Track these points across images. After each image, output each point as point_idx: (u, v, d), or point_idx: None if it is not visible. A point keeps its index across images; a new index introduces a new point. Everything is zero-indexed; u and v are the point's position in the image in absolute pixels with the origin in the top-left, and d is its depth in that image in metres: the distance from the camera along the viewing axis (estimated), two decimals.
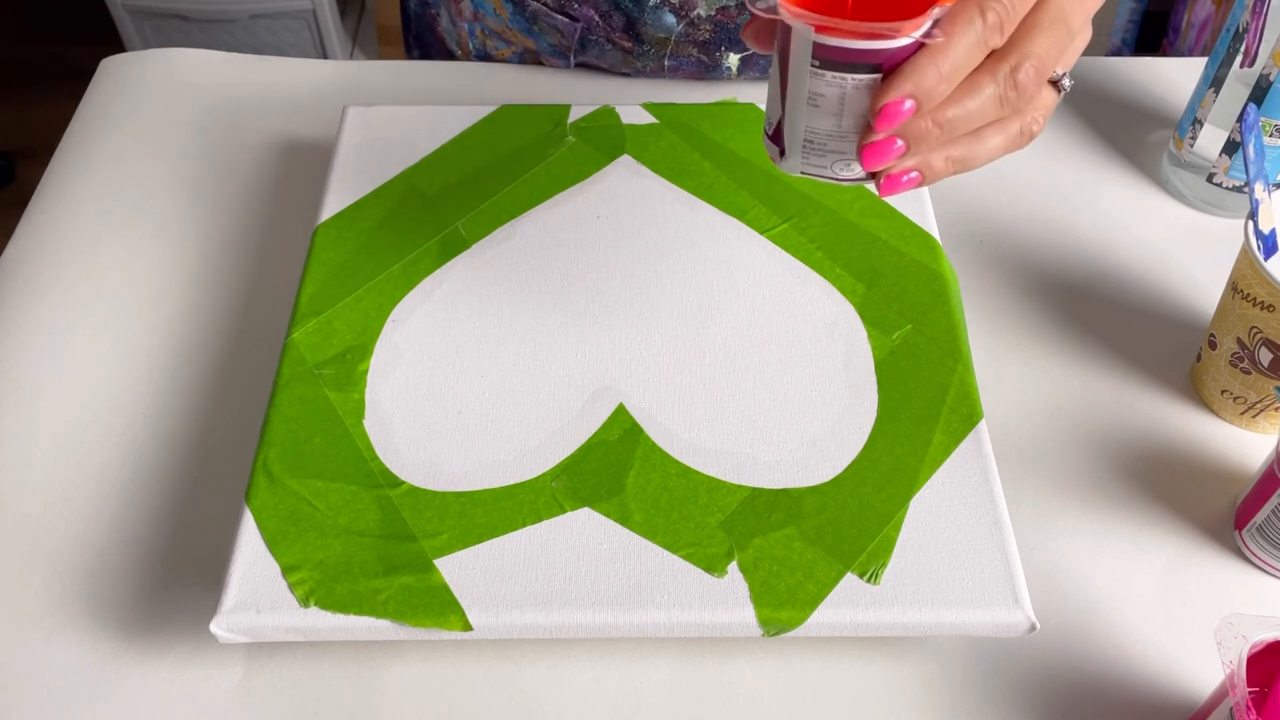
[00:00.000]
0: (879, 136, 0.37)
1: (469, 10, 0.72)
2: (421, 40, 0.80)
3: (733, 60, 0.69)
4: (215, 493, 0.51)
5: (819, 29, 0.35)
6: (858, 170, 0.39)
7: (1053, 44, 0.37)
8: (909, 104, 0.35)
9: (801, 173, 0.40)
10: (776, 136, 0.40)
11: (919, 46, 0.35)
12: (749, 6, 0.37)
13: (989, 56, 0.37)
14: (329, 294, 0.53)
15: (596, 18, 0.67)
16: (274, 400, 0.49)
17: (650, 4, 0.65)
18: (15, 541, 0.49)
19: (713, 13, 0.65)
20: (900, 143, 0.37)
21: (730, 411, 0.49)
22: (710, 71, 0.70)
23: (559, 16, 0.68)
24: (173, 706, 0.44)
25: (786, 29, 0.37)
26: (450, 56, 0.77)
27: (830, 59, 0.36)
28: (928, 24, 0.35)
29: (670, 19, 0.66)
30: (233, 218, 0.63)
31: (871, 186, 0.41)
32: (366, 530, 0.44)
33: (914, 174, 0.39)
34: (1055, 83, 0.39)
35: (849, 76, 0.36)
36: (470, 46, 0.74)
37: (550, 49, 0.71)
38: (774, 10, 0.36)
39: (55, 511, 0.50)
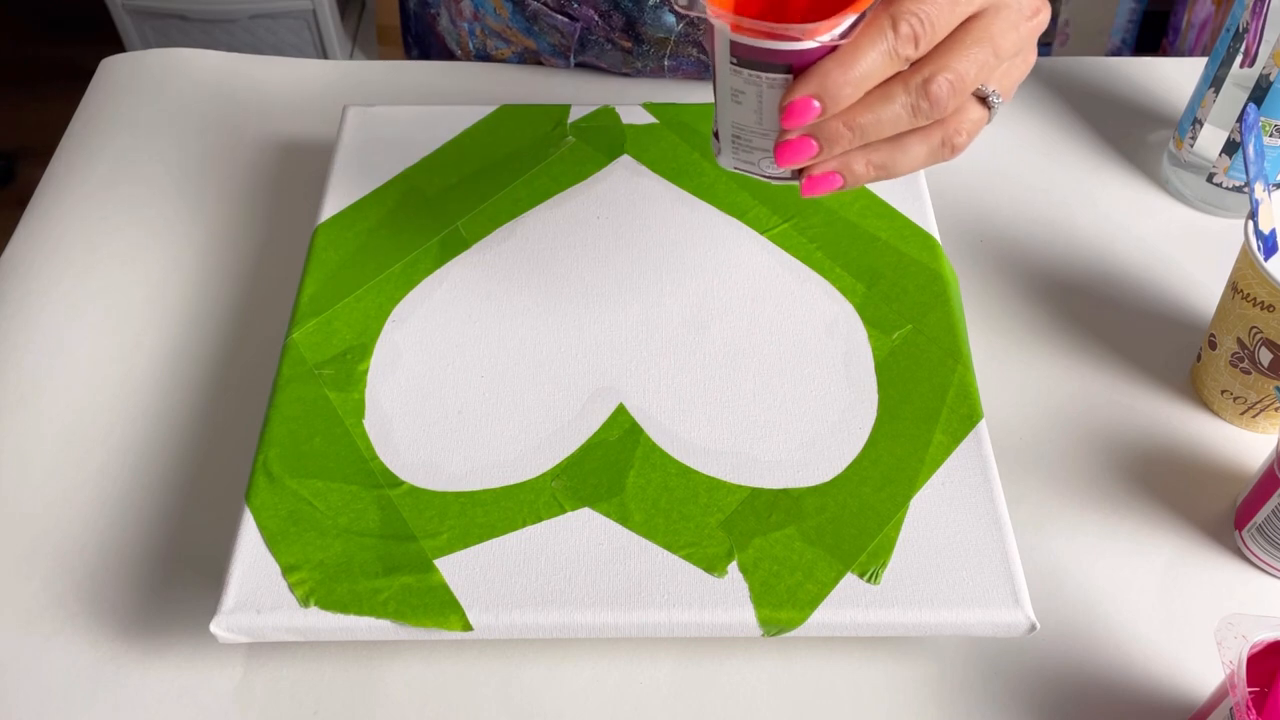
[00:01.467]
0: (792, 135, 0.38)
1: (469, 10, 0.72)
2: (421, 40, 0.80)
3: None
4: (215, 493, 0.51)
5: (734, 28, 0.36)
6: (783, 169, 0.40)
7: (973, 62, 0.37)
8: (816, 104, 0.36)
9: (734, 168, 0.42)
10: (717, 133, 0.41)
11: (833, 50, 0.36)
12: (673, 7, 0.37)
13: (911, 67, 0.37)
14: (329, 294, 0.53)
15: (596, 17, 0.67)
16: (274, 400, 0.49)
17: (650, 3, 0.65)
18: (15, 541, 0.49)
19: None
20: (814, 143, 0.38)
21: (730, 411, 0.49)
22: (709, 71, 0.69)
23: (559, 16, 0.68)
24: (173, 706, 0.44)
25: (712, 27, 0.38)
26: (450, 56, 0.77)
27: (745, 57, 0.37)
28: (839, 29, 0.36)
29: (670, 19, 0.66)
30: (233, 218, 0.63)
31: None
32: (366, 530, 0.44)
33: (835, 177, 0.40)
34: (984, 99, 0.40)
35: (763, 75, 0.37)
36: (470, 46, 0.74)
37: (550, 49, 0.71)
38: (693, 7, 0.37)
39: (55, 511, 0.50)
